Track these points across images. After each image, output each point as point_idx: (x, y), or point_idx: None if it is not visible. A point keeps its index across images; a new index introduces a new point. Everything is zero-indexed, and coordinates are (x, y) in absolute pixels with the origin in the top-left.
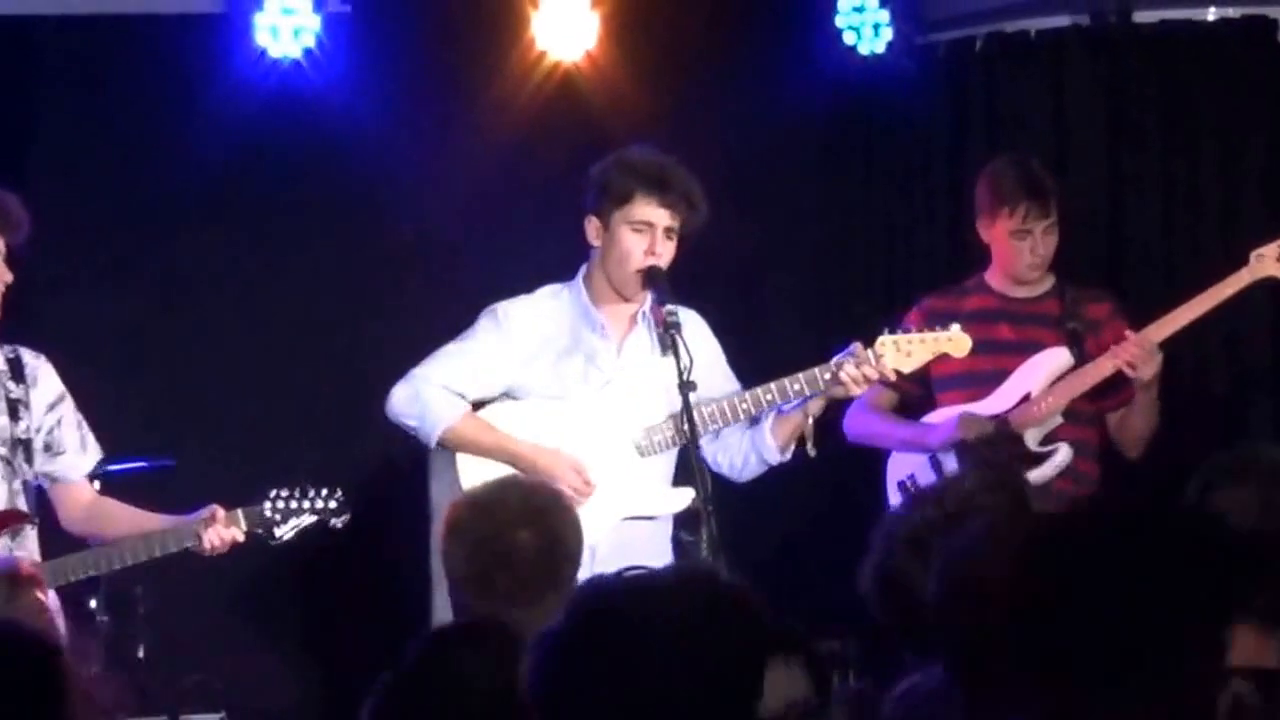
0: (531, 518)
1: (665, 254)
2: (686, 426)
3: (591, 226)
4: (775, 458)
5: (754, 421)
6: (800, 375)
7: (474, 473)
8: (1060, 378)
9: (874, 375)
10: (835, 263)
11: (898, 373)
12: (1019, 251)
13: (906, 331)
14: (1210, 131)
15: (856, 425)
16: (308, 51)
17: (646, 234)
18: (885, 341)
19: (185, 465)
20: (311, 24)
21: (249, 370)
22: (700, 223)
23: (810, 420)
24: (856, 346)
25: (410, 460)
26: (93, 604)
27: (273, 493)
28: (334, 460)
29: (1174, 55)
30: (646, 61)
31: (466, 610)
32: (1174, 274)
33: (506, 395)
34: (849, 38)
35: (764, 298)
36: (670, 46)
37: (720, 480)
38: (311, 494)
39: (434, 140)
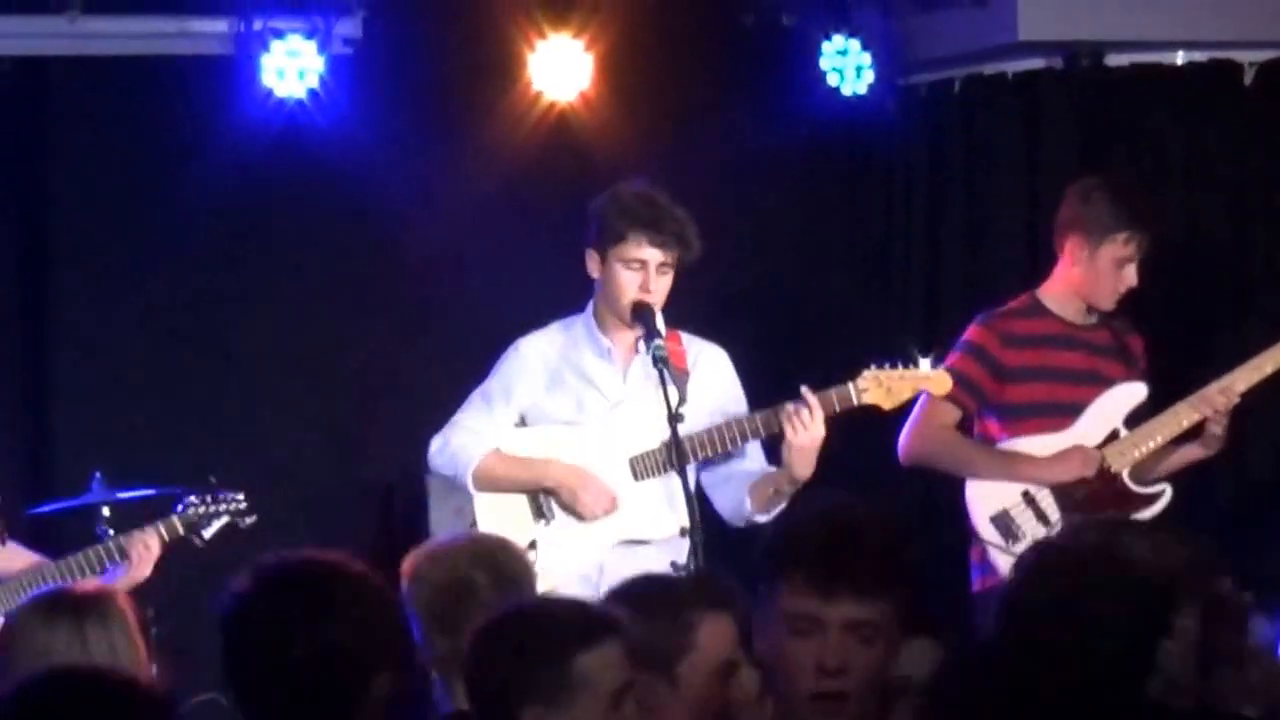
0: (483, 560)
1: (659, 290)
2: (675, 455)
3: (592, 260)
4: (749, 516)
5: (729, 457)
6: (757, 414)
7: (489, 505)
8: (1134, 413)
9: (806, 422)
10: (818, 296)
11: (877, 408)
12: (1114, 279)
13: (901, 361)
14: (1179, 171)
15: (925, 445)
16: (312, 92)
17: (640, 271)
18: (867, 377)
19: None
20: (316, 65)
21: (256, 399)
22: (695, 257)
23: (774, 491)
24: (804, 391)
25: (410, 486)
26: None
27: (190, 498)
28: (337, 486)
29: (1145, 97)
30: (639, 101)
31: (433, 645)
32: (1146, 306)
33: (521, 421)
34: (833, 79)
35: (747, 331)
36: (662, 87)
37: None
38: (221, 497)
39: (434, 176)
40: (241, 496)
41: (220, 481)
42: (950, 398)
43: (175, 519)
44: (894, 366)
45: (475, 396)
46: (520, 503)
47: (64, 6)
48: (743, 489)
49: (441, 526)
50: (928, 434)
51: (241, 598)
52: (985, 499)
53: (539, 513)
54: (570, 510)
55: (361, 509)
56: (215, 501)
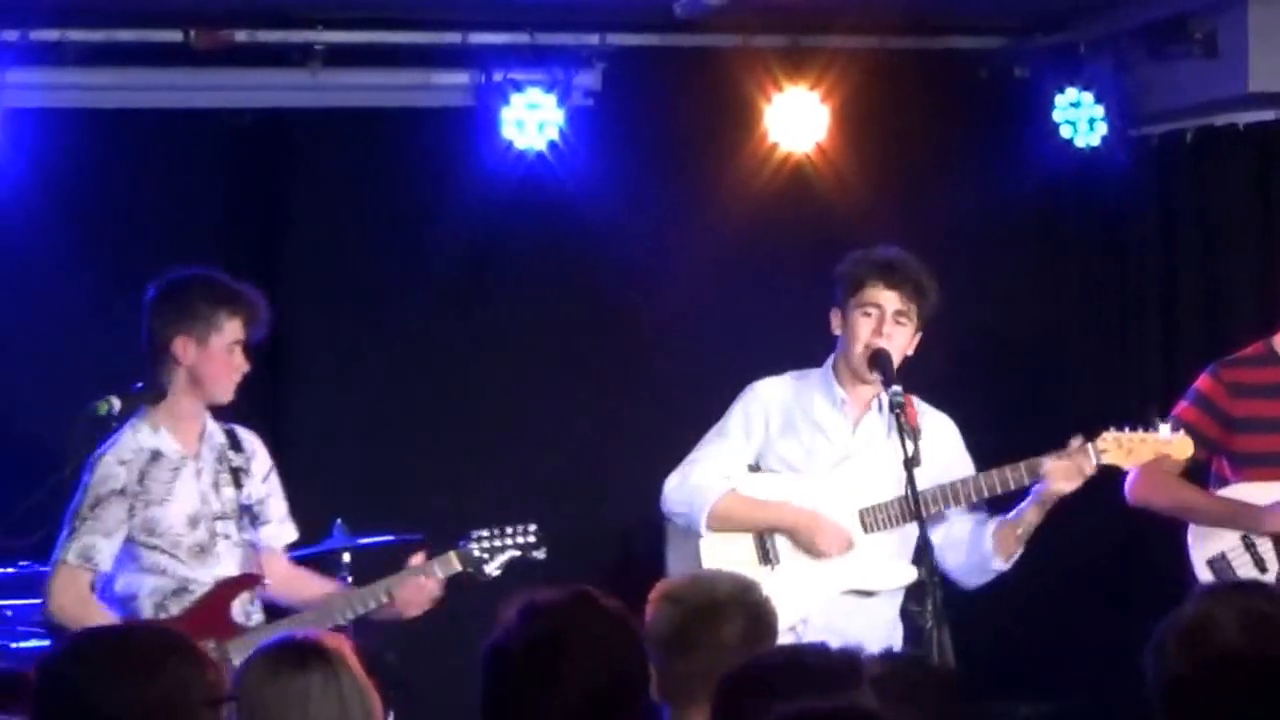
0: (744, 596)
1: (896, 338)
2: (911, 501)
3: (835, 318)
4: (994, 565)
5: (974, 508)
6: (1021, 464)
7: (715, 547)
8: None
9: (1074, 469)
10: (1053, 347)
11: (1114, 468)
12: None
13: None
14: None
15: (1151, 489)
16: (552, 144)
17: (875, 316)
18: (1108, 438)
19: (433, 540)
20: (555, 118)
21: (493, 448)
22: (933, 309)
23: (1020, 532)
24: (1075, 441)
25: (648, 532)
26: None
27: (475, 534)
28: (574, 532)
29: None
30: (874, 153)
31: (667, 668)
32: None
33: (756, 463)
34: (1065, 131)
35: (984, 384)
36: (896, 138)
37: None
38: (510, 530)
39: (672, 227)
40: (534, 528)
41: (512, 513)
42: None
43: (454, 554)
44: (1134, 429)
45: (711, 435)
46: (746, 547)
47: (306, 59)
48: (981, 543)
49: (679, 568)
50: (1154, 479)
51: (500, 644)
52: (1205, 541)
53: (764, 558)
54: (806, 550)
55: (600, 555)
56: (503, 535)
